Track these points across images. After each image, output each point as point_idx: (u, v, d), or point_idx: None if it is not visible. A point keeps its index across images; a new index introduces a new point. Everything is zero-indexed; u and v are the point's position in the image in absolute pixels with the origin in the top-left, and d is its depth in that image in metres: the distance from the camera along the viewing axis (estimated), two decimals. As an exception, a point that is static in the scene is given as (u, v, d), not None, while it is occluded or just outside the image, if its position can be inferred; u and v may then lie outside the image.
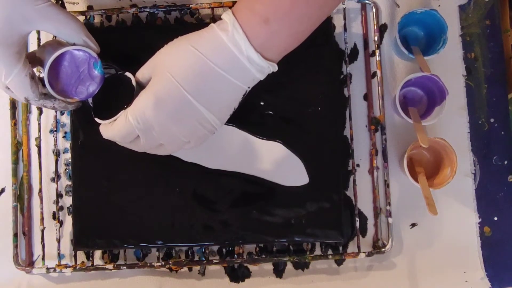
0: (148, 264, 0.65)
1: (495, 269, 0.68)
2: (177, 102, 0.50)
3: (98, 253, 0.67)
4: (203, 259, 0.67)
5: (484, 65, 0.70)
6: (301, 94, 0.65)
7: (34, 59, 0.56)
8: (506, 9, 0.72)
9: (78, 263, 0.66)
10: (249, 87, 0.52)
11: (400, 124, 0.69)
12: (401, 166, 0.65)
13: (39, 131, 0.68)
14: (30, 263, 0.68)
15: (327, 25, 0.66)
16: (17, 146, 0.68)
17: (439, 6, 0.70)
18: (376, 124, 0.68)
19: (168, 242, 0.64)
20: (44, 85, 0.54)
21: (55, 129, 0.67)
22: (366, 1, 0.68)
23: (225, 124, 0.56)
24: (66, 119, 0.68)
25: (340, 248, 0.67)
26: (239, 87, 0.51)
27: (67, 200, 0.68)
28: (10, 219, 0.67)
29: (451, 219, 0.68)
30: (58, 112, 0.68)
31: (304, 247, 0.67)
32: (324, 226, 0.64)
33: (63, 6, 0.70)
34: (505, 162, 0.69)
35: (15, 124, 0.68)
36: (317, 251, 0.67)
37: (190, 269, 0.67)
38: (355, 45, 0.70)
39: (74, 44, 0.54)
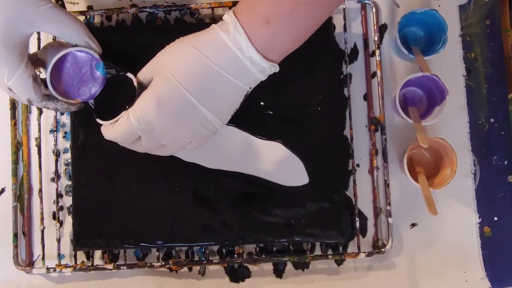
0: (148, 264, 0.65)
1: (495, 269, 0.68)
2: (178, 103, 0.50)
3: (98, 253, 0.67)
4: (203, 259, 0.67)
5: (484, 65, 0.70)
6: (301, 94, 0.65)
7: (36, 61, 0.56)
8: (506, 9, 0.72)
9: (78, 263, 0.66)
10: (250, 88, 0.52)
11: (400, 124, 0.69)
12: (401, 166, 0.66)
13: (39, 131, 0.68)
14: (30, 263, 0.68)
15: (327, 25, 0.66)
16: (17, 146, 0.68)
17: (439, 6, 0.70)
18: (376, 124, 0.68)
19: (168, 242, 0.64)
20: (46, 86, 0.54)
21: (55, 129, 0.67)
22: (366, 1, 0.68)
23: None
24: (66, 119, 0.68)
25: (340, 248, 0.67)
26: (240, 87, 0.51)
27: (67, 200, 0.68)
28: (10, 219, 0.67)
29: (451, 219, 0.68)
30: (58, 112, 0.68)
31: (304, 247, 0.67)
32: (324, 226, 0.64)
33: (63, 6, 0.70)
34: (505, 162, 0.69)
35: (15, 124, 0.68)
36: (317, 251, 0.67)
37: (190, 269, 0.67)
38: (355, 45, 0.70)
39: (76, 45, 0.54)
